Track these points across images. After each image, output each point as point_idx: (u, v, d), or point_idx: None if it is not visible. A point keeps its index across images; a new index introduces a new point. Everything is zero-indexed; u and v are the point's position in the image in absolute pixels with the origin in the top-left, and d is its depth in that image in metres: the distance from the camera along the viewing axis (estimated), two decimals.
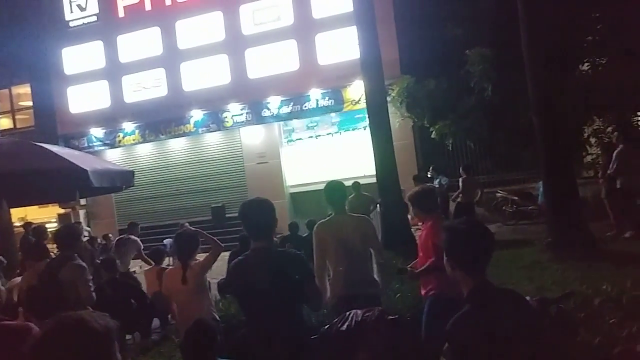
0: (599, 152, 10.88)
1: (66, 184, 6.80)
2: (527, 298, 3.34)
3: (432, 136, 12.74)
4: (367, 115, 10.39)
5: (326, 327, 3.42)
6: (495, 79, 11.24)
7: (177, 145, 16.67)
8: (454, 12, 12.18)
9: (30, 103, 18.28)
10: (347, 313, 3.61)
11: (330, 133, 15.38)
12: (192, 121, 16.03)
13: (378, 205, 9.93)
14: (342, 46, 14.19)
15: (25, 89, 18.38)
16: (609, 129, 11.46)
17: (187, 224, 12.15)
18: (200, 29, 16.00)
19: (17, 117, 18.61)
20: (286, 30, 15.14)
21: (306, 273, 2.94)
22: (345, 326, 3.50)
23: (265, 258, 2.86)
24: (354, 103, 14.29)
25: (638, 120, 12.25)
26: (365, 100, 10.52)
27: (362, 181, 10.36)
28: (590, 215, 8.20)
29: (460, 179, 10.58)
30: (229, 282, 3.06)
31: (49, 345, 1.34)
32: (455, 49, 11.75)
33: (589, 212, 8.29)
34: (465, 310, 1.98)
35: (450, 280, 2.18)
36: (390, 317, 3.44)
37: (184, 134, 16.25)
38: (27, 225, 11.09)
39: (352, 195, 9.43)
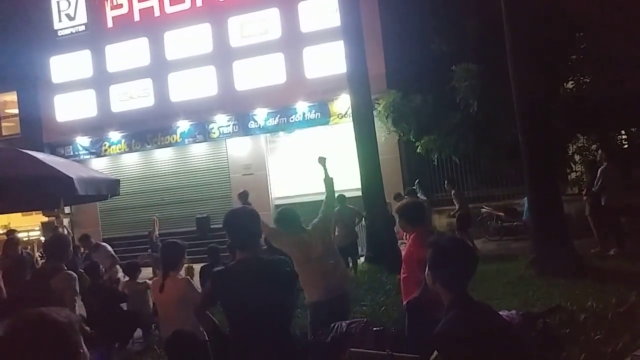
0: (583, 169, 11.03)
1: (51, 191, 6.68)
2: (513, 312, 3.38)
3: (418, 151, 12.82)
4: (353, 129, 10.45)
5: (311, 338, 3.40)
6: (481, 95, 11.37)
7: (163, 156, 16.58)
8: (440, 28, 12.34)
9: (16, 111, 18.09)
10: (332, 325, 3.61)
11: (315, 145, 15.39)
12: (178, 132, 15.97)
13: (363, 218, 9.95)
14: (329, 60, 14.27)
15: (11, 97, 18.21)
16: (593, 146, 11.65)
17: (155, 217, 12.05)
18: (188, 40, 16.02)
19: (3, 124, 18.44)
20: (274, 43, 15.21)
21: (291, 277, 2.92)
22: (330, 338, 3.50)
23: (251, 268, 2.81)
24: (340, 117, 14.36)
25: (621, 139, 12.48)
26: (351, 114, 10.59)
27: (347, 194, 10.38)
28: (574, 232, 8.28)
29: (453, 193, 10.79)
30: (211, 292, 3.01)
31: (11, 340, 1.31)
32: (442, 64, 11.88)
33: (573, 228, 8.37)
34: (450, 316, 2.03)
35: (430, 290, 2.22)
36: (375, 329, 3.45)
37: (170, 144, 16.17)
38: (9, 233, 10.92)
39: (337, 208, 9.43)
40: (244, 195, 4.55)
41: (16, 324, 1.34)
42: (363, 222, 10.04)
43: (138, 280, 7.16)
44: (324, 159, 4.75)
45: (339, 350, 3.47)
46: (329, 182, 4.70)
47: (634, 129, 12.14)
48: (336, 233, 9.26)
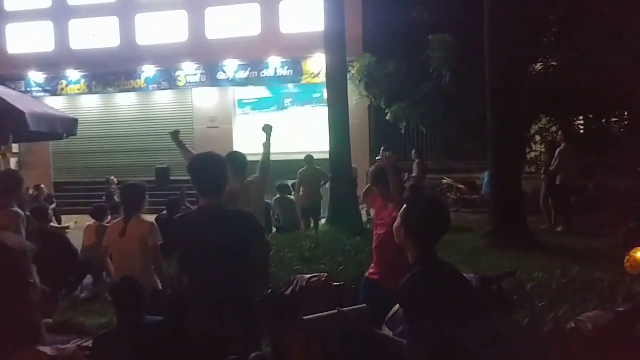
0: (543, 149, 11.34)
1: (0, 125, 6.31)
2: (471, 274, 3.46)
3: (387, 117, 12.83)
4: (325, 89, 10.31)
5: (269, 291, 3.37)
6: (454, 67, 11.40)
7: (124, 100, 15.97)
8: None
9: None
10: (292, 278, 3.59)
11: (285, 106, 15.18)
12: (143, 77, 15.36)
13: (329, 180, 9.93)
14: (306, 16, 13.93)
15: None
16: (553, 128, 11.95)
17: (112, 177, 11.76)
18: None
19: None
20: None
21: (257, 233, 2.84)
22: (289, 290, 3.48)
23: (215, 216, 2.70)
24: (312, 76, 14.14)
25: (579, 124, 12.85)
26: (325, 74, 10.41)
27: (315, 156, 10.31)
28: (529, 208, 8.59)
29: (416, 162, 10.86)
30: (170, 238, 2.90)
31: None
32: (419, 32, 11.77)
33: (527, 205, 8.68)
34: (414, 272, 2.07)
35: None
36: (336, 283, 3.46)
37: (133, 89, 15.57)
38: None
39: (303, 168, 9.39)
40: (175, 135, 4.24)
41: None
42: (328, 184, 10.03)
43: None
44: (270, 127, 4.76)
45: (297, 303, 3.48)
46: (267, 146, 4.68)
47: (590, 115, 12.51)
48: (300, 192, 9.25)
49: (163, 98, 15.67)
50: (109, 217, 6.99)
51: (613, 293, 4.21)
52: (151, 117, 15.74)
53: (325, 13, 9.90)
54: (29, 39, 16.07)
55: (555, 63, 11.94)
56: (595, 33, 10.10)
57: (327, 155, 9.95)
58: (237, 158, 4.43)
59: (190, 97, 15.43)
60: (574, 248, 7.16)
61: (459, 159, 13.26)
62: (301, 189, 9.26)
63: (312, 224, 9.21)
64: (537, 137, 12.34)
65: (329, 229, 8.68)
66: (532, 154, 12.34)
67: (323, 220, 9.68)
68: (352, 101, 11.95)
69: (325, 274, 4.00)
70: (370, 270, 3.71)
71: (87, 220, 7.23)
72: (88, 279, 6.74)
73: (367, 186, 4.14)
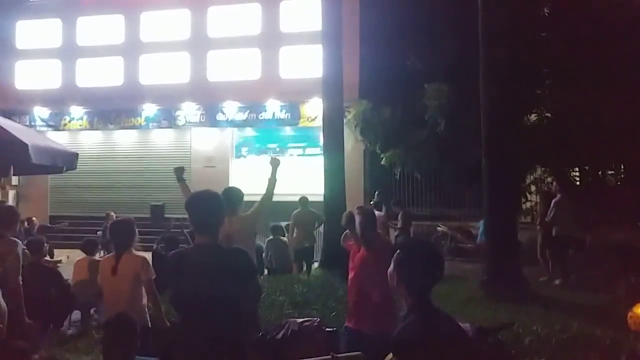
0: (538, 199, 11.35)
1: (1, 156, 6.34)
2: (467, 325, 3.42)
3: (382, 162, 12.95)
4: (321, 134, 10.45)
5: (260, 334, 3.33)
6: (449, 115, 11.60)
7: (125, 138, 16.15)
8: (417, 46, 12.54)
9: None
10: (284, 322, 3.56)
11: (281, 148, 15.34)
12: (143, 115, 15.60)
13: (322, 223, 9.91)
14: (304, 62, 14.31)
15: None
16: (549, 179, 12.04)
17: (112, 213, 11.72)
18: (165, 23, 15.72)
19: None
20: (252, 38, 15.12)
21: (251, 274, 2.85)
22: (281, 334, 3.44)
23: (211, 254, 2.71)
24: (309, 120, 14.37)
25: (575, 175, 12.98)
26: (322, 119, 10.59)
27: (310, 198, 10.32)
28: (524, 259, 8.49)
29: (401, 214, 10.17)
30: (165, 275, 2.89)
31: None
32: (415, 80, 12.06)
33: (523, 256, 8.59)
34: (409, 320, 2.02)
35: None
36: (328, 329, 3.42)
37: (133, 127, 15.79)
38: None
39: (298, 210, 9.38)
40: (179, 171, 4.28)
41: None
42: (321, 227, 10.00)
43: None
44: (278, 161, 4.78)
45: (288, 348, 3.42)
46: (272, 181, 4.68)
47: (586, 167, 12.64)
48: (294, 235, 9.20)
49: (162, 137, 15.86)
50: (101, 252, 6.94)
51: (616, 352, 4.10)
52: (149, 155, 15.87)
53: (324, 60, 10.17)
54: (37, 76, 16.42)
55: (549, 115, 12.17)
56: (590, 85, 10.32)
57: (321, 198, 10.00)
58: (233, 193, 4.50)
59: (189, 137, 15.62)
60: (573, 302, 6.97)
61: (454, 206, 13.28)
62: (295, 231, 9.21)
63: (304, 268, 9.11)
64: (533, 188, 12.42)
65: (321, 273, 8.60)
66: (528, 204, 12.38)
67: (315, 264, 9.61)
68: (348, 145, 12.11)
69: (318, 319, 3.96)
70: (348, 318, 3.68)
71: (80, 255, 7.17)
72: (76, 315, 6.63)
73: (345, 232, 4.13)
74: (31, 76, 16.51)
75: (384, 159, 12.88)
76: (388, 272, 2.19)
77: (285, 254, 9.07)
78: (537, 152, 11.14)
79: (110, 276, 3.94)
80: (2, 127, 6.31)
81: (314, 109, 13.88)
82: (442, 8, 12.12)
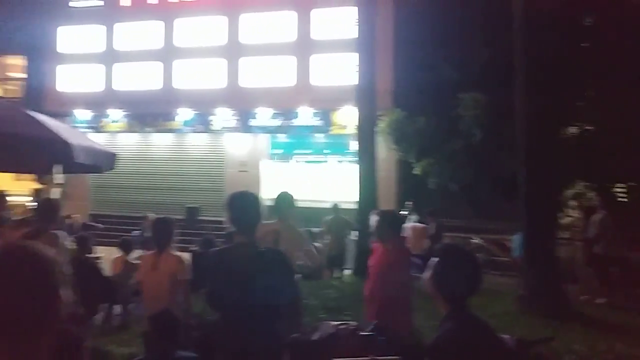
0: (580, 215, 10.97)
1: (47, 154, 6.52)
2: (507, 336, 3.31)
3: (415, 172, 12.80)
4: (355, 141, 10.42)
5: (295, 335, 3.30)
6: (485, 126, 11.39)
7: (161, 140, 16.51)
8: (453, 55, 12.40)
9: (21, 74, 17.92)
10: (318, 324, 3.52)
11: (313, 156, 15.39)
12: (179, 119, 15.90)
13: (355, 231, 9.84)
14: (336, 70, 14.37)
15: (17, 60, 18.03)
16: (590, 194, 11.65)
17: (152, 215, 11.89)
18: (201, 30, 16.04)
19: (5, 86, 18.24)
20: (285, 45, 15.29)
21: (288, 271, 2.85)
22: (317, 336, 3.40)
23: (248, 252, 2.74)
24: (341, 127, 14.38)
25: (618, 192, 12.53)
26: (356, 127, 10.56)
27: (343, 205, 10.28)
28: (563, 276, 8.22)
29: (433, 224, 10.10)
30: (204, 271, 2.92)
31: None
32: (450, 90, 11.89)
33: (562, 272, 8.32)
34: (446, 328, 1.98)
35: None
36: (364, 333, 3.36)
37: (169, 130, 16.12)
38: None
39: (330, 216, 9.36)
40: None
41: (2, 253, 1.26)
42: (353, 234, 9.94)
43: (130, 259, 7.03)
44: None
45: (324, 350, 3.38)
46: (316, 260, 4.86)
47: (634, 183, 12.17)
48: (326, 241, 9.18)
49: (197, 140, 16.14)
50: (139, 251, 7.10)
51: None
52: (185, 158, 16.17)
53: (359, 67, 10.16)
54: (78, 79, 16.98)
55: (591, 128, 11.82)
56: (636, 97, 10.00)
57: (352, 206, 9.96)
58: (285, 198, 4.57)
59: (223, 141, 15.83)
60: (617, 322, 6.66)
61: (490, 218, 12.99)
62: (327, 237, 9.19)
63: (335, 274, 9.07)
64: (573, 203, 12.04)
65: (354, 280, 8.53)
66: (567, 220, 12.02)
67: (347, 271, 9.54)
68: (381, 154, 12.04)
69: (355, 323, 3.90)
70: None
71: (115, 253, 7.35)
72: (116, 309, 6.78)
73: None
74: (72, 79, 17.06)
75: (417, 168, 12.74)
76: (424, 278, 2.15)
77: (317, 260, 9.03)
78: (578, 166, 10.82)
79: (151, 271, 4.02)
80: (47, 127, 6.52)
81: (345, 117, 13.88)
82: (477, 16, 11.97)
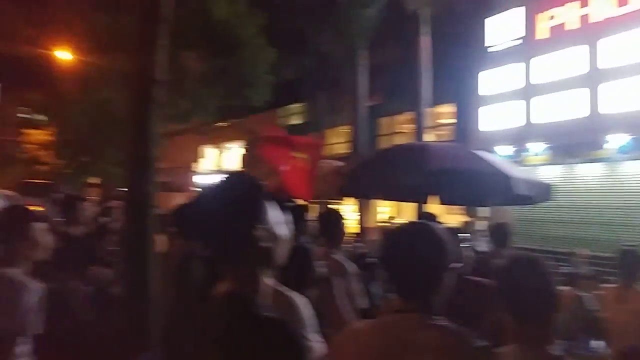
0: None
1: (486, 187, 7.00)
2: None
3: None
4: None
5: None
6: None
7: (588, 171, 15.56)
8: None
9: (450, 120, 20.54)
10: None
11: None
12: (609, 146, 14.44)
13: None
14: None
15: (446, 108, 20.69)
16: None
17: (584, 251, 11.17)
18: (625, 47, 14.23)
19: (438, 132, 21.05)
20: None
21: None
22: None
23: None
24: None
25: None
26: None
27: None
28: None
29: None
30: None
31: None
32: None
33: None
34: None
35: None
36: None
37: (598, 159, 14.98)
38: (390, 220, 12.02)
39: None
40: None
41: None
42: None
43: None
44: None
45: None
46: None
47: None
48: None
49: (635, 169, 14.26)
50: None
51: None
52: (619, 189, 14.64)
53: None
54: (499, 117, 17.98)
55: None
56: None
57: None
58: None
59: None
60: None
61: None
62: None
63: None
64: None
65: None
66: None
67: None
68: None
69: None
70: None
71: None
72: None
73: None
74: (493, 118, 18.16)
75: None
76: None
77: None
78: None
79: (615, 304, 3.72)
80: (487, 161, 7.03)
81: None
82: None
